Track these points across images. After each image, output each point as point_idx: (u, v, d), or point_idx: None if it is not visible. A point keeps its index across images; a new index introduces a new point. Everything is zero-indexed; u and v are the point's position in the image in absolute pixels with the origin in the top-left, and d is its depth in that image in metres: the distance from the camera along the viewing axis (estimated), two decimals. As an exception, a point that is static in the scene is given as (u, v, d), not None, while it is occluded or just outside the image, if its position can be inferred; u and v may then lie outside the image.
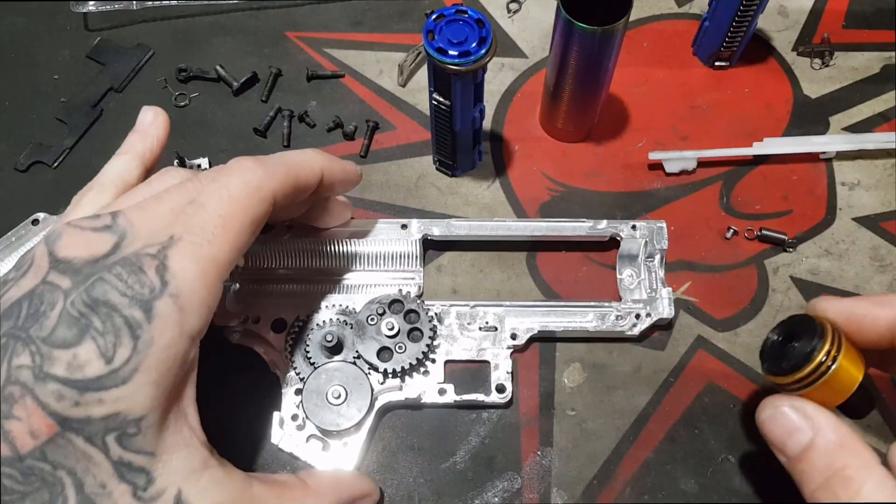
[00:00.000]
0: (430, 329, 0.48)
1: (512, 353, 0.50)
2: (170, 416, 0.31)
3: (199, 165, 0.57)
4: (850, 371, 0.37)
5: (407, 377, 0.48)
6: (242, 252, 0.35)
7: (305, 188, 0.40)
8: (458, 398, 0.48)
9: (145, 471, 0.29)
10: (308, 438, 0.46)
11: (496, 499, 0.47)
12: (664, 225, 0.52)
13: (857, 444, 0.34)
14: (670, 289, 0.51)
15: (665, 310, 0.50)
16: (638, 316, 0.50)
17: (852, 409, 0.39)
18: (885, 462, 0.36)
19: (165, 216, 0.34)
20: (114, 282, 0.30)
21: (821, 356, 0.37)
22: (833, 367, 0.37)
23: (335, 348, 0.48)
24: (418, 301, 0.49)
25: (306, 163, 0.40)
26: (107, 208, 0.36)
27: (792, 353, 0.38)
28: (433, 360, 0.49)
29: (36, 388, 0.28)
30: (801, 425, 0.35)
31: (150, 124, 0.43)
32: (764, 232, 0.55)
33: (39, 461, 0.28)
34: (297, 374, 0.47)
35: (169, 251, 0.31)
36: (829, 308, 0.39)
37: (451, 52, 0.45)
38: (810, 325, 0.38)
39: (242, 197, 0.35)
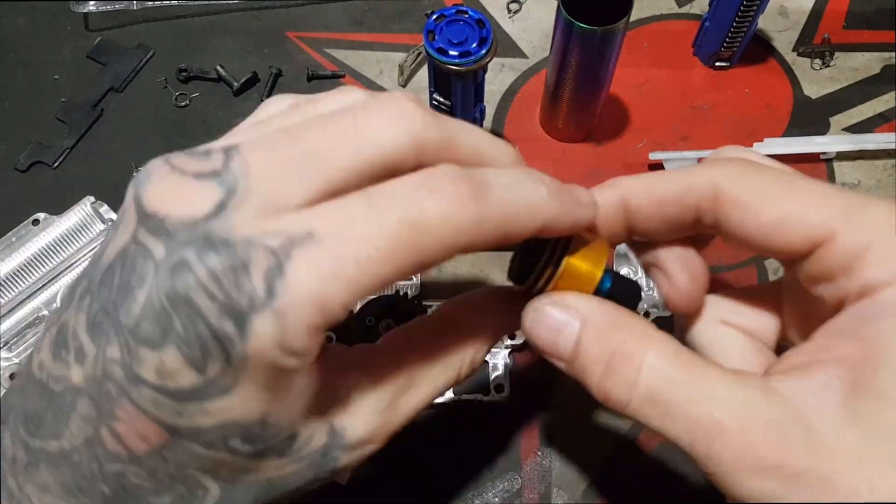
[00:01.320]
0: (430, 329, 0.48)
1: (510, 352, 0.50)
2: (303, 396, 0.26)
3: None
4: (580, 266, 0.30)
5: (406, 377, 0.48)
6: (383, 287, 0.24)
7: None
8: (456, 397, 0.48)
9: (287, 438, 0.26)
10: (307, 438, 0.46)
11: (496, 499, 0.47)
12: (663, 225, 0.52)
13: (629, 317, 0.29)
14: (670, 289, 0.51)
15: (662, 307, 0.50)
16: (638, 316, 0.50)
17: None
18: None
19: (303, 173, 0.23)
20: (203, 277, 0.22)
21: (546, 256, 0.30)
22: (559, 267, 0.30)
23: (335, 348, 0.48)
24: (416, 302, 0.49)
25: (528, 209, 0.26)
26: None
27: (529, 262, 0.31)
28: (433, 361, 0.49)
29: (130, 391, 0.23)
30: (565, 318, 0.29)
31: None
32: (764, 232, 0.54)
33: (161, 462, 0.25)
34: (297, 374, 0.47)
35: (295, 252, 0.22)
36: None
37: (451, 53, 0.45)
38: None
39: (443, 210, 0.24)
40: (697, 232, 0.31)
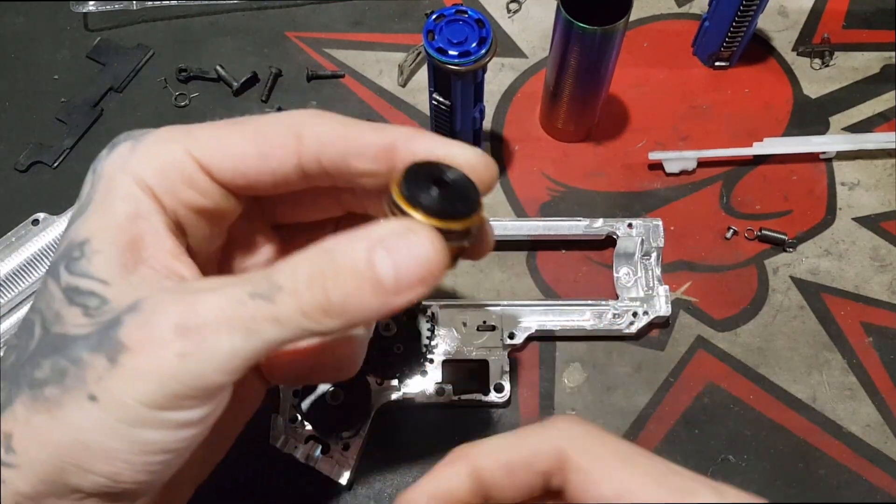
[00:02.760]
0: (428, 329, 0.48)
1: (510, 353, 0.50)
2: (132, 256, 0.27)
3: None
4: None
5: (405, 378, 0.48)
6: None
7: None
8: (456, 398, 0.48)
9: (96, 295, 0.26)
10: (307, 440, 0.46)
11: (495, 499, 0.47)
12: (660, 223, 0.52)
13: None
14: (667, 287, 0.51)
15: (662, 307, 0.50)
16: (635, 314, 0.50)
17: None
18: None
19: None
20: (114, 139, 0.30)
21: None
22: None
23: (334, 348, 0.48)
24: (417, 304, 0.49)
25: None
26: None
27: (458, 195, 0.27)
28: (431, 361, 0.49)
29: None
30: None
31: None
32: (764, 232, 0.55)
33: (31, 312, 0.28)
34: (297, 374, 0.47)
35: (164, 129, 0.30)
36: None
37: (451, 52, 0.45)
38: (441, 168, 0.28)
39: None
40: (546, 495, 0.29)
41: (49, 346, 0.26)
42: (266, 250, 0.34)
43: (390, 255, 0.25)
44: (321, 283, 0.24)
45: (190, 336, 0.24)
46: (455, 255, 0.28)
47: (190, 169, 0.28)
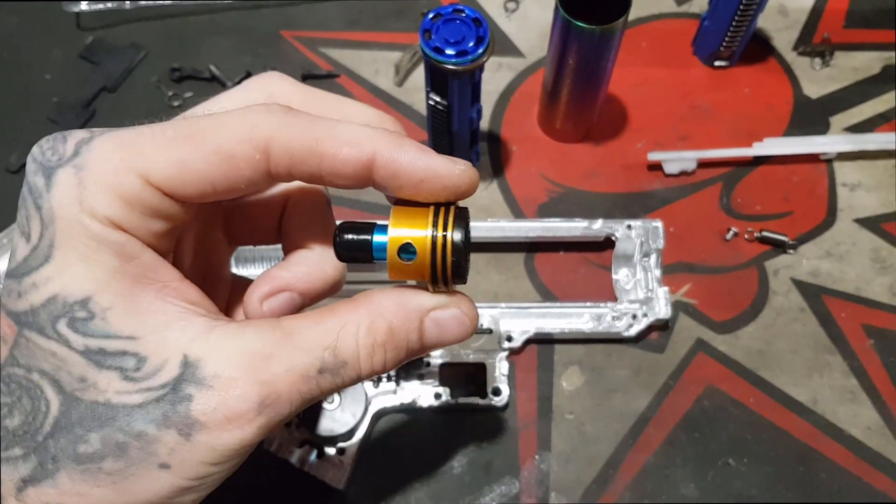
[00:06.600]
0: (427, 332, 0.48)
1: (508, 356, 0.49)
2: (142, 299, 0.26)
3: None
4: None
5: (402, 381, 0.48)
6: (191, 180, 0.26)
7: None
8: (453, 402, 0.48)
9: (129, 353, 0.25)
10: (302, 444, 0.46)
11: (494, 503, 0.46)
12: (660, 224, 0.52)
13: None
14: (667, 288, 0.50)
15: (662, 310, 0.50)
16: (634, 316, 0.50)
17: None
18: None
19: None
20: (35, 149, 0.27)
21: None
22: None
23: (330, 352, 0.47)
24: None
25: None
26: None
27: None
28: (428, 364, 0.48)
29: (1, 290, 0.27)
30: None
31: None
32: (764, 233, 0.54)
33: (14, 367, 0.26)
34: (292, 377, 0.47)
35: (106, 133, 0.27)
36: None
37: (448, 52, 0.44)
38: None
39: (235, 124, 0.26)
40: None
41: (90, 418, 0.25)
42: (219, 251, 0.34)
43: (439, 330, 0.29)
44: (381, 355, 0.28)
45: (268, 412, 0.26)
46: None
47: (152, 199, 0.26)
